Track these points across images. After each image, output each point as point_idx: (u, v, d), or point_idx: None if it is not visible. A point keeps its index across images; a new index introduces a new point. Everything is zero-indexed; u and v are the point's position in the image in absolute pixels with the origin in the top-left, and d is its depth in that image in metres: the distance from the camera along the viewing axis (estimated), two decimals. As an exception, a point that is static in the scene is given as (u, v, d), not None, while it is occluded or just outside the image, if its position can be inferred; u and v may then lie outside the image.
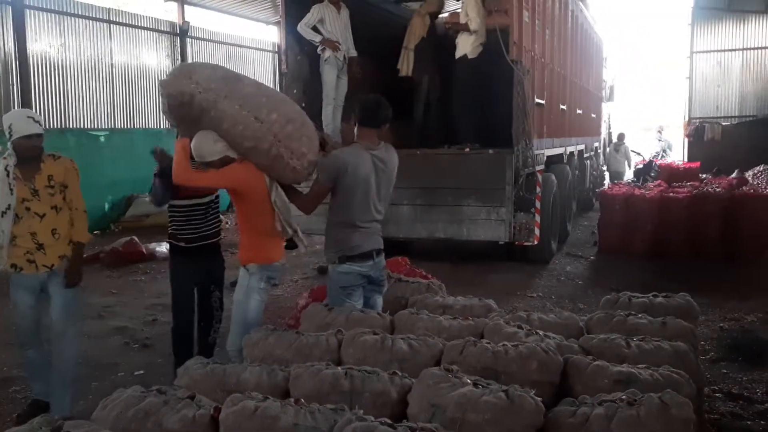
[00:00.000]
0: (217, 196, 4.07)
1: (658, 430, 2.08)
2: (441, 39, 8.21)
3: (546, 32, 8.24)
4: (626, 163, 15.11)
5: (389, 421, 2.08)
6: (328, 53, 7.32)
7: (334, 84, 7.41)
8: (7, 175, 3.54)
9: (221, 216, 4.30)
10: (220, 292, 4.12)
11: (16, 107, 10.60)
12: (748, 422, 3.70)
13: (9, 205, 3.54)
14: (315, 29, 7.32)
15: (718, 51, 18.11)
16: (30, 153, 3.57)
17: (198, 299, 4.07)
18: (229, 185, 3.50)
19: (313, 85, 7.74)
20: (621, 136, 15.25)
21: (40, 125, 3.61)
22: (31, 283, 3.67)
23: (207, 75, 3.34)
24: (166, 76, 3.59)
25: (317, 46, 7.37)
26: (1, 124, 3.79)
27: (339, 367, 2.58)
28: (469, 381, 2.35)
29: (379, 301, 3.77)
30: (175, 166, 3.40)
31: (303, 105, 7.78)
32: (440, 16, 8.74)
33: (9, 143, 3.57)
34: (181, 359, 3.67)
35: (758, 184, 11.35)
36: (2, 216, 3.57)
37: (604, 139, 16.10)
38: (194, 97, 3.27)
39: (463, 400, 2.24)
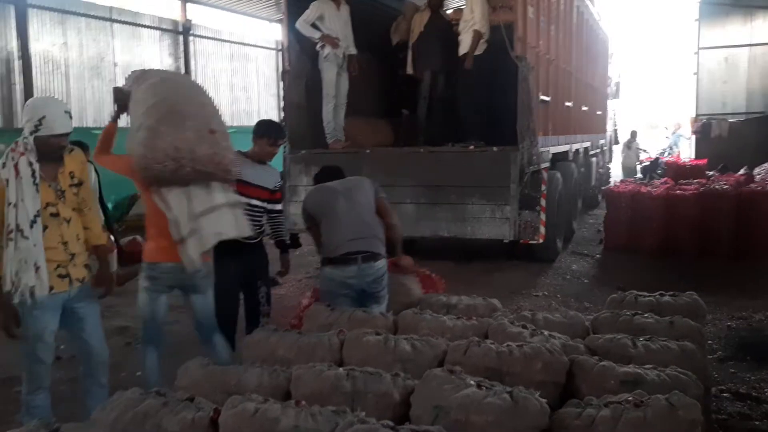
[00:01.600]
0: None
1: (666, 432, 2.04)
2: (444, 34, 8.16)
3: (551, 28, 8.18)
4: (638, 157, 16.06)
5: (391, 424, 2.04)
6: (327, 50, 7.28)
7: (334, 82, 7.36)
8: (32, 174, 2.97)
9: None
10: (266, 287, 4.11)
11: (18, 106, 10.62)
12: (756, 422, 3.65)
13: (38, 211, 2.97)
14: (314, 26, 7.28)
15: (724, 47, 17.97)
16: (55, 153, 3.09)
17: (244, 296, 4.07)
18: (116, 171, 3.53)
19: (316, 83, 7.70)
20: (633, 134, 16.24)
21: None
22: (58, 303, 3.13)
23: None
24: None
25: (317, 43, 7.33)
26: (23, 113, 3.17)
27: (341, 368, 2.55)
28: (472, 382, 2.31)
29: (382, 308, 3.69)
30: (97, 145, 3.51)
31: (305, 102, 7.80)
32: (445, 11, 8.70)
33: (30, 136, 3.00)
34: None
35: (766, 181, 11.24)
36: (31, 227, 2.94)
37: (610, 137, 16.04)
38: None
39: (467, 401, 2.20)
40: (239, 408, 2.12)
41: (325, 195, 3.89)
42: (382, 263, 3.68)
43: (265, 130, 4.09)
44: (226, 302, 3.98)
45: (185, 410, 2.18)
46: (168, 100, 3.24)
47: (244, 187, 3.77)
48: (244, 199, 3.70)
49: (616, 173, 16.89)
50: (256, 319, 4.07)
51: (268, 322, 4.02)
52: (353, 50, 7.52)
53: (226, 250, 3.71)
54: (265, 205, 4.06)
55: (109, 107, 12.29)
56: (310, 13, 7.22)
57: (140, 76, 3.47)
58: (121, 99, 3.48)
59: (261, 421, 2.07)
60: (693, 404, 2.11)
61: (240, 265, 3.93)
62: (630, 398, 2.18)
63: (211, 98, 3.52)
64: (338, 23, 7.34)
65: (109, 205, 11.14)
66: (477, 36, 7.19)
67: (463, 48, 7.33)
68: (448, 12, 8.99)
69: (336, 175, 4.07)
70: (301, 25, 7.24)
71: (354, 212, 3.73)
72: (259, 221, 4.05)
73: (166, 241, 3.26)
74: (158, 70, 3.78)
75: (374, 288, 3.65)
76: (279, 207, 4.24)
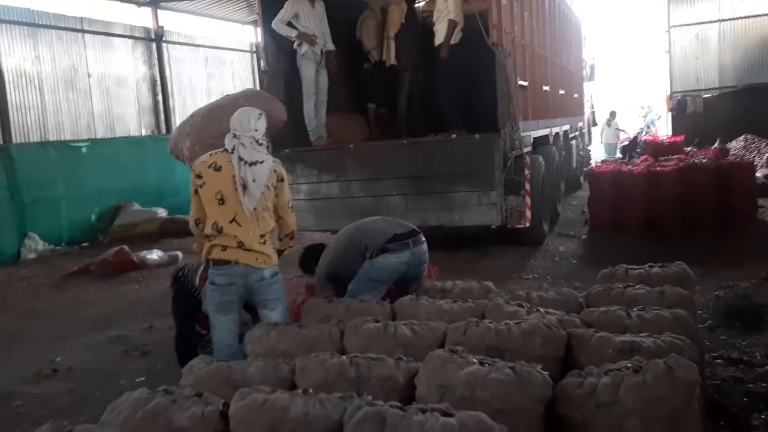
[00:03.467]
0: None
1: (665, 394, 2.10)
2: (420, 27, 8.20)
3: (525, 14, 8.25)
4: (618, 136, 16.95)
5: (399, 404, 2.08)
6: (305, 48, 7.27)
7: (313, 79, 7.36)
8: None
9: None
10: None
11: (-6, 123, 10.50)
12: (750, 385, 3.73)
13: None
14: (290, 25, 7.27)
15: (694, 24, 18.22)
16: None
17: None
18: None
19: (295, 81, 7.69)
20: (612, 113, 17.16)
21: None
22: None
23: None
24: None
25: (294, 42, 7.33)
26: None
27: (344, 356, 2.58)
28: (475, 360, 2.36)
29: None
30: None
31: (285, 101, 7.78)
32: (418, 3, 8.72)
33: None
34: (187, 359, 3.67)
35: (743, 153, 11.46)
36: None
37: (588, 119, 16.23)
38: None
39: (471, 378, 2.25)
40: (248, 400, 2.14)
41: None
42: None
43: None
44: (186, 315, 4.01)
45: (194, 406, 2.20)
46: None
47: None
48: None
49: (598, 153, 17.19)
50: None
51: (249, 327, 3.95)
52: (331, 46, 7.52)
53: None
54: None
55: (85, 118, 12.22)
56: (285, 13, 7.21)
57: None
58: None
59: (271, 411, 2.10)
60: (690, 366, 2.18)
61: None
62: (629, 364, 2.24)
63: None
64: (314, 20, 7.34)
65: (93, 218, 11.13)
66: (452, 25, 7.23)
67: (439, 38, 7.36)
68: (420, 4, 9.01)
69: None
70: (277, 24, 7.23)
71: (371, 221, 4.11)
72: None
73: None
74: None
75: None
76: None
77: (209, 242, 3.29)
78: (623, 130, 17.61)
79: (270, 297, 3.33)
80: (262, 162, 3.28)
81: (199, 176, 3.31)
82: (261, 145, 3.34)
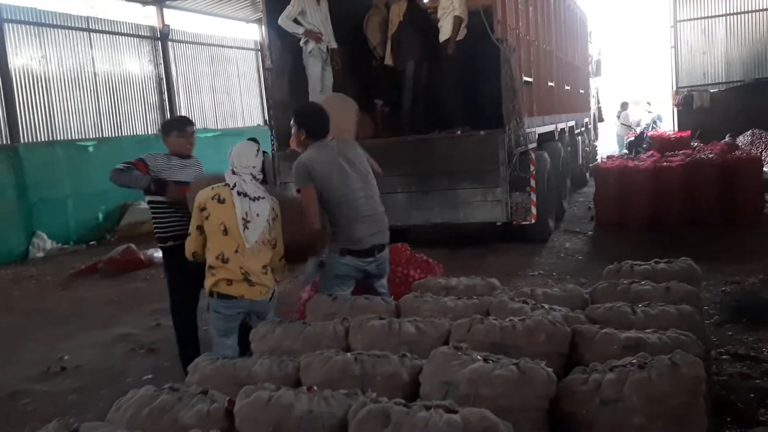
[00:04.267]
0: None
1: (671, 390, 2.08)
2: (423, 23, 8.17)
3: (530, 9, 8.22)
4: (628, 128, 17.19)
5: (403, 401, 2.08)
6: (311, 45, 7.29)
7: (319, 76, 7.38)
8: None
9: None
10: None
11: (1, 123, 10.58)
12: (757, 381, 3.72)
13: None
14: (296, 21, 7.28)
15: (701, 18, 18.12)
16: None
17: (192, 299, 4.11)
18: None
19: (299, 79, 7.70)
20: (624, 105, 17.52)
21: None
22: None
23: None
24: None
25: (300, 39, 7.33)
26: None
27: (348, 353, 2.58)
28: (479, 357, 2.35)
29: (384, 282, 3.96)
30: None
31: (290, 99, 7.80)
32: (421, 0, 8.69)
33: None
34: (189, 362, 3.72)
35: (750, 148, 11.39)
36: None
37: (594, 115, 16.15)
38: None
39: (475, 375, 2.24)
40: (253, 397, 2.15)
41: (336, 170, 3.76)
42: (386, 249, 3.95)
43: (169, 125, 4.30)
44: (187, 306, 4.11)
45: (200, 403, 2.20)
46: None
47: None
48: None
49: (610, 148, 17.23)
50: None
51: None
52: (334, 44, 7.53)
53: (166, 255, 4.00)
54: None
55: (92, 117, 12.27)
56: (291, 9, 7.22)
57: None
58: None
59: (276, 408, 2.10)
60: (696, 362, 2.16)
61: (191, 279, 3.81)
62: (634, 361, 2.23)
63: None
64: (319, 17, 7.36)
65: (100, 217, 11.19)
66: (458, 22, 7.22)
67: (444, 34, 7.35)
68: (424, 0, 8.99)
69: (325, 121, 3.85)
70: (284, 21, 7.24)
71: (368, 195, 3.85)
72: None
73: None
74: None
75: (381, 271, 3.93)
76: None
77: (213, 275, 3.36)
78: (629, 126, 17.54)
79: (268, 316, 3.49)
80: (263, 198, 3.38)
81: (203, 209, 3.36)
82: (258, 180, 3.46)
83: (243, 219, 3.29)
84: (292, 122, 3.86)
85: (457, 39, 7.25)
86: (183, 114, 14.47)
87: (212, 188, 3.38)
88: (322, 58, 7.39)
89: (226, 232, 3.31)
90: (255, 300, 3.39)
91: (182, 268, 3.77)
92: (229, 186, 3.34)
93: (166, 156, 4.07)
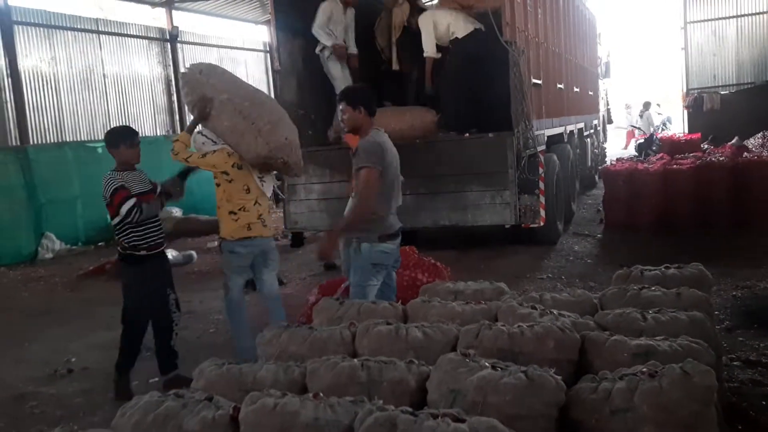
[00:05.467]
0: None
1: (681, 399, 2.05)
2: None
3: (538, 11, 8.18)
4: (650, 127, 16.85)
5: (410, 410, 2.06)
6: (327, 52, 7.36)
7: (341, 76, 7.48)
8: None
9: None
10: (175, 294, 4.35)
11: (11, 124, 10.62)
12: (769, 388, 3.67)
13: None
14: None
15: (712, 20, 18.00)
16: None
17: (158, 305, 4.26)
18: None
19: (308, 80, 7.70)
20: (646, 104, 17.29)
21: None
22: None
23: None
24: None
25: (317, 44, 7.40)
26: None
27: (355, 359, 2.56)
28: (487, 364, 2.33)
29: (394, 275, 4.12)
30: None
31: (299, 100, 7.80)
32: (422, 3, 8.66)
33: None
34: (126, 372, 4.22)
35: (761, 150, 11.29)
36: None
37: (603, 117, 16.07)
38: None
39: (483, 383, 2.22)
40: (259, 404, 2.13)
41: (395, 160, 3.94)
42: None
43: (119, 137, 4.24)
44: (144, 312, 4.28)
45: (205, 410, 2.19)
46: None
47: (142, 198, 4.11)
48: None
49: (620, 150, 17.12)
50: (170, 330, 4.33)
51: (179, 330, 4.41)
52: (354, 50, 7.65)
53: (143, 259, 4.13)
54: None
55: (101, 118, 12.32)
56: (322, 17, 7.30)
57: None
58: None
59: (281, 416, 2.08)
60: (707, 371, 2.13)
61: (156, 272, 4.21)
62: (644, 369, 2.20)
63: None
64: (342, 24, 7.46)
65: (109, 217, 11.22)
66: (429, 62, 7.43)
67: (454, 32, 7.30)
68: (434, 2, 8.95)
69: (375, 97, 4.09)
70: (317, 31, 7.34)
71: (398, 186, 4.01)
72: (161, 227, 4.31)
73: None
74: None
75: (397, 255, 4.09)
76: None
77: (235, 221, 4.22)
78: (638, 127, 17.42)
79: (271, 257, 4.45)
80: None
81: (226, 173, 4.23)
82: None
83: (259, 178, 4.31)
84: (342, 107, 3.86)
85: (464, 37, 7.22)
86: (190, 116, 14.52)
87: (229, 155, 4.22)
88: (341, 61, 7.48)
89: (248, 190, 4.25)
90: (266, 238, 4.36)
91: (146, 277, 4.15)
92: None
93: (121, 173, 4.15)
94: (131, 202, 3.99)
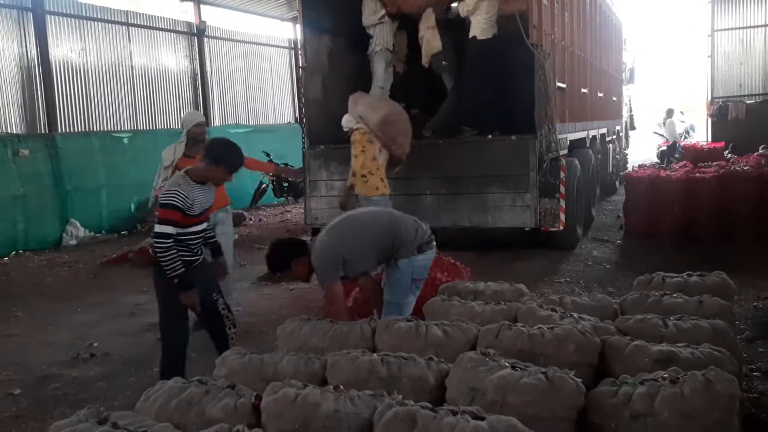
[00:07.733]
0: None
1: (704, 407, 2.05)
2: (455, 29, 8.14)
3: (565, 15, 8.14)
4: (673, 135, 16.41)
5: (430, 405, 2.08)
6: (379, 45, 7.58)
7: (382, 74, 7.63)
8: None
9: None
10: (223, 297, 3.90)
11: (40, 113, 10.81)
12: (788, 401, 3.63)
13: None
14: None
15: (740, 28, 17.73)
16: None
17: (209, 314, 3.79)
18: None
19: (332, 78, 7.74)
20: (669, 112, 16.65)
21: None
22: None
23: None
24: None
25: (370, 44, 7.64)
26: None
27: (375, 354, 2.59)
28: (507, 364, 2.34)
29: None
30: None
31: (323, 98, 7.85)
32: (452, 5, 8.64)
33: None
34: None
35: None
36: None
37: (626, 122, 15.92)
38: None
39: (503, 382, 2.23)
40: (280, 394, 2.17)
41: (366, 227, 3.82)
42: None
43: (225, 157, 3.62)
44: (181, 327, 3.77)
45: (227, 397, 2.23)
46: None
47: (194, 218, 3.55)
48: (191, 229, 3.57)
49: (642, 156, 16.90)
50: (224, 332, 3.84)
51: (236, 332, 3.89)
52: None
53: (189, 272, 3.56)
54: (206, 225, 3.79)
55: (128, 109, 12.48)
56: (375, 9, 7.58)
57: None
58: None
59: (302, 406, 2.12)
60: (730, 379, 2.12)
61: (198, 281, 3.63)
62: (666, 375, 2.20)
63: None
64: (389, 27, 7.70)
65: (132, 207, 11.37)
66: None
67: (474, 30, 7.27)
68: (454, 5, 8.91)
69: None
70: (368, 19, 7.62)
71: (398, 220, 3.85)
72: (200, 244, 3.74)
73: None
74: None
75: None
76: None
77: (366, 182, 6.08)
78: (661, 134, 17.20)
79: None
80: None
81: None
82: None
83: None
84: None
85: (482, 38, 7.20)
86: (216, 109, 14.66)
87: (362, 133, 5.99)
88: (386, 59, 7.55)
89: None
90: None
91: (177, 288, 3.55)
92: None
93: (193, 183, 3.55)
94: (169, 242, 3.44)
